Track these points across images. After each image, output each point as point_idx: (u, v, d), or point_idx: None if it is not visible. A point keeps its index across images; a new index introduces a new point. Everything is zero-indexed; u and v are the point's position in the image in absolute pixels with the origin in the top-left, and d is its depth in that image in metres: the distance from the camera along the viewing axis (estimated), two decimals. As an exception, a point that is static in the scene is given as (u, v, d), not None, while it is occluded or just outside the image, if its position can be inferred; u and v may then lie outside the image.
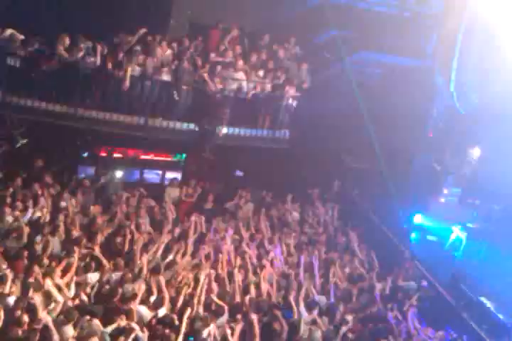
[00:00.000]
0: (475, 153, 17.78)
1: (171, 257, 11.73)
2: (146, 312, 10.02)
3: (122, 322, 9.54)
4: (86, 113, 13.89)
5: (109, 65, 13.82)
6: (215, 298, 10.67)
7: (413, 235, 16.52)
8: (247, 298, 10.91)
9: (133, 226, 12.41)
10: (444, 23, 17.32)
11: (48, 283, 9.76)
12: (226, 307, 10.48)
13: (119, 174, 14.96)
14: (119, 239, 11.99)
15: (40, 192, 12.73)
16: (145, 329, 9.56)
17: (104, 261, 11.07)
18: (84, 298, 10.19)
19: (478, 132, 17.51)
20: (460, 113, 17.72)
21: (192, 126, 14.80)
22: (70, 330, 9.02)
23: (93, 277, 10.69)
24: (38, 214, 12.09)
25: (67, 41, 13.54)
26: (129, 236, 12.04)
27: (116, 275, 10.83)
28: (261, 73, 15.60)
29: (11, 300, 9.35)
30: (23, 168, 13.46)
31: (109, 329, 9.48)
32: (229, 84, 15.13)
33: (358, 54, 17.27)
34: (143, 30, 14.24)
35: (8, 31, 13.29)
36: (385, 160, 16.88)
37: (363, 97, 17.05)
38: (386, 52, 17.45)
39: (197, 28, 16.32)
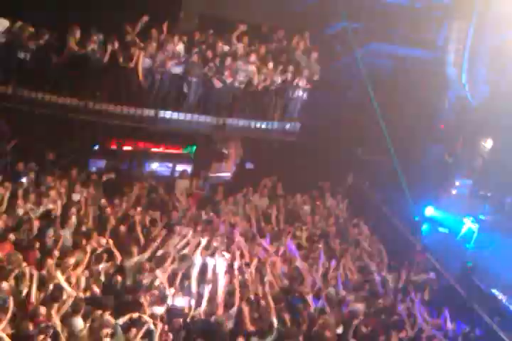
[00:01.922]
0: (486, 145, 17.68)
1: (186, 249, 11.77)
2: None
3: (134, 314, 9.59)
4: (96, 106, 13.90)
5: (120, 58, 13.81)
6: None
7: (424, 227, 16.46)
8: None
9: (144, 219, 12.47)
10: (456, 13, 17.18)
11: (59, 276, 9.80)
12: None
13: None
14: (123, 228, 12.00)
15: (52, 185, 12.80)
16: (158, 322, 9.61)
17: (117, 253, 11.10)
18: (97, 289, 10.25)
19: (489, 123, 17.41)
20: (472, 104, 17.61)
21: (202, 118, 14.79)
22: (79, 322, 9.07)
23: (104, 267, 10.74)
24: (50, 206, 12.14)
25: (78, 34, 13.51)
26: (138, 228, 12.06)
27: (130, 262, 10.87)
28: (271, 65, 15.54)
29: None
30: (35, 161, 13.49)
31: (121, 321, 9.53)
32: (239, 77, 15.11)
33: (369, 45, 17.18)
34: (145, 19, 14.12)
35: (18, 24, 13.30)
36: (396, 152, 16.80)
37: (374, 89, 16.97)
38: (397, 44, 17.35)
39: (207, 20, 16.27)
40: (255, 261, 11.70)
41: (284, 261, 12.30)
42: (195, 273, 11.02)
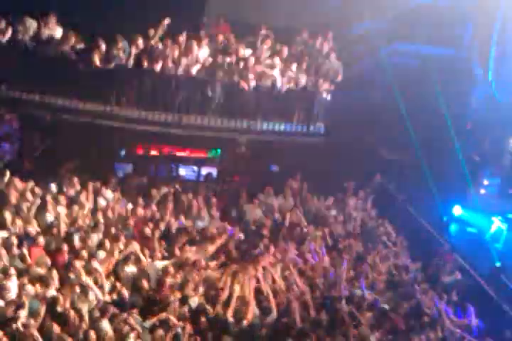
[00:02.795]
0: (515, 141, 17.48)
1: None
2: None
3: (162, 315, 9.71)
4: (122, 111, 14.10)
5: (145, 63, 13.98)
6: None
7: (452, 227, 16.33)
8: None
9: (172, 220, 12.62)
10: (480, 11, 17.03)
11: (87, 279, 9.97)
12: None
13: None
14: (148, 232, 12.14)
15: (79, 190, 13.01)
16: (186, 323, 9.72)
17: (142, 257, 11.24)
18: (125, 291, 10.40)
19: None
20: (499, 102, 17.44)
21: (226, 122, 14.89)
22: (106, 325, 9.21)
23: (131, 270, 10.90)
24: (78, 211, 12.33)
25: (103, 48, 13.73)
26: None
27: (158, 265, 11.05)
28: (294, 67, 15.57)
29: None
30: (63, 167, 13.70)
31: (148, 323, 9.66)
32: (263, 80, 15.17)
33: (393, 45, 17.11)
34: (167, 21, 14.25)
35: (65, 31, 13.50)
36: (422, 151, 16.71)
37: (399, 89, 16.90)
38: (422, 43, 17.25)
39: (230, 23, 16.37)
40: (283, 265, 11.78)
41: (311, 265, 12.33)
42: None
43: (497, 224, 16.00)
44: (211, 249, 11.84)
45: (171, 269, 10.83)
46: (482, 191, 17.12)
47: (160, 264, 11.09)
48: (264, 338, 10.00)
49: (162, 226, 12.52)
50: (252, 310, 10.26)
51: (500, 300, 12.70)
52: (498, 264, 13.67)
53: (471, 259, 13.98)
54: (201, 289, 10.78)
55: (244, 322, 10.09)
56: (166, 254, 11.64)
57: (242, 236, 12.67)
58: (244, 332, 9.99)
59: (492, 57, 17.22)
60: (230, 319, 10.08)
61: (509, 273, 13.52)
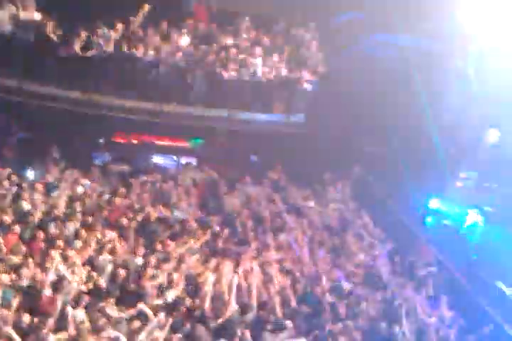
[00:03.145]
0: (492, 137, 17.57)
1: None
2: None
3: (139, 306, 9.68)
4: (101, 99, 13.94)
5: (124, 48, 13.82)
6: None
7: (429, 219, 16.41)
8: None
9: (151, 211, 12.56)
10: (463, 5, 17.06)
11: (62, 268, 9.91)
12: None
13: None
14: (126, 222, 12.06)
15: (57, 178, 12.89)
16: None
17: (119, 247, 11.19)
18: (102, 281, 10.36)
19: (495, 115, 17.31)
20: (477, 96, 17.51)
21: (206, 111, 14.80)
22: (81, 315, 9.17)
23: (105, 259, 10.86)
24: (55, 199, 12.23)
25: (84, 37, 13.53)
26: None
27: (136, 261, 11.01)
28: (275, 57, 15.50)
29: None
30: (40, 154, 13.56)
31: (126, 314, 9.63)
32: (244, 69, 15.08)
33: (374, 36, 17.08)
34: (146, 7, 14.09)
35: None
36: (400, 144, 16.77)
37: (378, 81, 16.91)
38: (403, 35, 17.24)
39: (211, 11, 16.24)
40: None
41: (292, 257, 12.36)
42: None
43: (473, 216, 16.11)
44: (196, 244, 11.78)
45: (152, 262, 10.76)
46: (459, 184, 17.20)
47: (141, 260, 11.03)
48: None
49: (140, 216, 12.44)
50: (230, 308, 10.20)
51: (476, 293, 12.81)
52: (473, 257, 13.78)
53: (447, 252, 14.08)
54: (181, 283, 10.73)
55: (220, 320, 9.99)
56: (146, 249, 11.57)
57: (226, 231, 12.57)
58: (221, 328, 9.93)
59: (472, 51, 17.26)
60: (208, 313, 10.02)
61: (484, 266, 13.64)
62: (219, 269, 11.02)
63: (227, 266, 11.13)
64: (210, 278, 10.61)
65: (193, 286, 10.70)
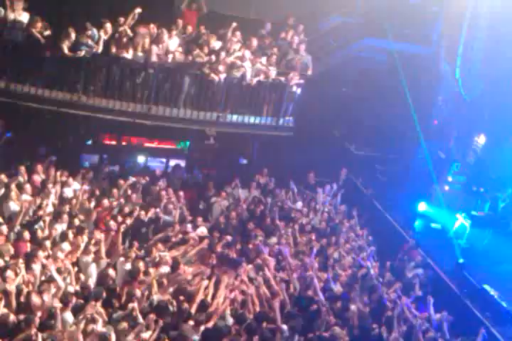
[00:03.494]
0: (480, 141, 17.70)
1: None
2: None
3: (129, 309, 9.59)
4: (89, 101, 13.85)
5: (113, 49, 13.75)
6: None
7: (417, 223, 16.50)
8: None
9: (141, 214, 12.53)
10: (450, 9, 17.19)
11: (52, 268, 9.83)
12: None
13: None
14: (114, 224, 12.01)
15: (45, 179, 12.79)
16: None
17: (103, 248, 11.14)
18: (89, 283, 10.29)
19: (483, 119, 17.43)
20: (465, 100, 17.63)
21: (195, 113, 14.77)
22: (69, 316, 9.10)
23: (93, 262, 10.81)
24: (43, 200, 12.13)
25: (73, 37, 13.46)
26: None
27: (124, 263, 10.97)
28: (264, 60, 15.51)
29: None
30: (27, 155, 13.46)
31: (115, 315, 9.56)
32: (233, 72, 15.07)
33: (362, 41, 17.16)
34: (137, 10, 14.05)
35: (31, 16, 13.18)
36: (389, 147, 16.84)
37: (367, 84, 16.99)
38: (391, 39, 17.32)
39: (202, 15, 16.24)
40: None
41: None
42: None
43: (460, 220, 16.21)
44: (191, 252, 11.74)
45: (142, 267, 10.69)
46: (447, 188, 17.32)
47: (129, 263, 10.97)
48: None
49: (130, 219, 12.38)
50: (219, 315, 10.12)
51: (463, 295, 12.85)
52: (461, 261, 13.83)
53: (434, 255, 14.13)
54: (171, 289, 10.66)
55: (209, 325, 9.89)
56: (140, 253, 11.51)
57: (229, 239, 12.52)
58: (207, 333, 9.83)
59: (459, 54, 17.38)
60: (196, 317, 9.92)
61: (471, 269, 13.70)
62: (214, 277, 10.94)
63: (223, 274, 11.05)
64: (203, 284, 10.55)
65: (183, 291, 10.59)
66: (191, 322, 9.66)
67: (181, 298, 10.18)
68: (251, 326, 9.74)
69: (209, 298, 10.42)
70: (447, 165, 17.84)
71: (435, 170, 16.73)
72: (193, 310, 10.00)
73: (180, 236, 12.30)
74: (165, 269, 11.00)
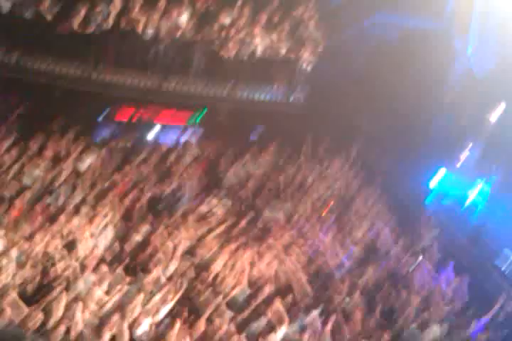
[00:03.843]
0: (493, 116, 17.57)
1: None
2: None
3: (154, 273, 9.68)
4: (100, 76, 13.88)
5: (123, 25, 13.74)
6: None
7: (430, 197, 16.46)
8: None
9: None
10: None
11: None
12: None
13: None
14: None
15: (57, 155, 12.88)
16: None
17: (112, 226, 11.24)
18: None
19: (496, 95, 17.31)
20: (478, 76, 17.50)
21: (206, 89, 14.77)
22: (91, 278, 9.23)
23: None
24: (56, 174, 12.22)
25: (83, 13, 13.45)
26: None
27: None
28: (275, 36, 15.45)
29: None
30: (40, 131, 13.51)
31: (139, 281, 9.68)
32: (243, 48, 15.04)
33: (374, 16, 17.04)
34: None
35: None
36: (402, 123, 16.77)
37: (379, 60, 16.90)
38: (403, 15, 17.20)
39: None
40: None
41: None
42: None
43: (474, 195, 16.16)
44: (218, 230, 11.77)
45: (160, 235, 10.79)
46: (459, 162, 17.23)
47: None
48: None
49: (144, 195, 12.43)
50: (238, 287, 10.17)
51: (483, 260, 12.83)
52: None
53: (453, 220, 14.12)
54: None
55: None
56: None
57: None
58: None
59: (472, 31, 17.23)
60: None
61: (491, 234, 13.65)
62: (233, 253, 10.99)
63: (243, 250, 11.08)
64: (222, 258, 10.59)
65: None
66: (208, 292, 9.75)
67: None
68: None
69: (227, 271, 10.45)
70: (460, 142, 17.75)
71: (446, 147, 16.68)
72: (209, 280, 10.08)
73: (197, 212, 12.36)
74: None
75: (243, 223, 12.11)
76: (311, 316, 9.91)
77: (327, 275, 11.12)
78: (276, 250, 11.41)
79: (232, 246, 11.25)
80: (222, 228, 11.83)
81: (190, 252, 10.87)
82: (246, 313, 9.64)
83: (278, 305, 9.72)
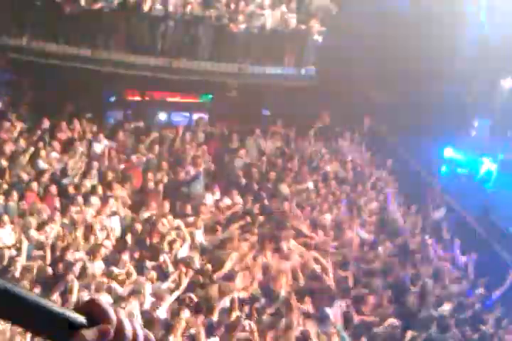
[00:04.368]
0: (506, 84, 17.38)
1: None
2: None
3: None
4: (111, 56, 13.85)
5: (131, 2, 13.64)
6: None
7: (443, 168, 16.41)
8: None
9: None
10: None
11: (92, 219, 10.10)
12: None
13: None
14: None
15: (71, 137, 12.95)
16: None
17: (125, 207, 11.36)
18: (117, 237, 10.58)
19: (509, 63, 17.05)
20: (491, 43, 17.23)
21: (216, 65, 14.69)
22: (100, 264, 9.41)
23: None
24: (72, 158, 12.31)
25: None
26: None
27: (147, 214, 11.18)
28: (284, 8, 15.27)
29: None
30: (52, 113, 13.58)
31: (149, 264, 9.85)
32: (253, 21, 14.89)
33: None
34: None
35: None
36: (413, 93, 16.60)
37: (389, 28, 16.64)
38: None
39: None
40: None
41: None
42: None
43: (487, 164, 16.10)
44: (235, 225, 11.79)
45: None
46: (473, 132, 17.14)
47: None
48: None
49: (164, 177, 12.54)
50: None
51: (490, 238, 12.89)
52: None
53: (461, 199, 14.12)
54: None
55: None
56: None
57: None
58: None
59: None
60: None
61: (499, 213, 13.68)
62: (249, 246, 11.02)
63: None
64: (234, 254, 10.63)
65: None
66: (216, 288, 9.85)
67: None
68: None
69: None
70: (472, 110, 17.59)
71: (460, 115, 16.54)
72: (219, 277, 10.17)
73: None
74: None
75: (258, 214, 12.03)
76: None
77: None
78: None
79: (248, 237, 11.26)
80: (238, 220, 11.79)
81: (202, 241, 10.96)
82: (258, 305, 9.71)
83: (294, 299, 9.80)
